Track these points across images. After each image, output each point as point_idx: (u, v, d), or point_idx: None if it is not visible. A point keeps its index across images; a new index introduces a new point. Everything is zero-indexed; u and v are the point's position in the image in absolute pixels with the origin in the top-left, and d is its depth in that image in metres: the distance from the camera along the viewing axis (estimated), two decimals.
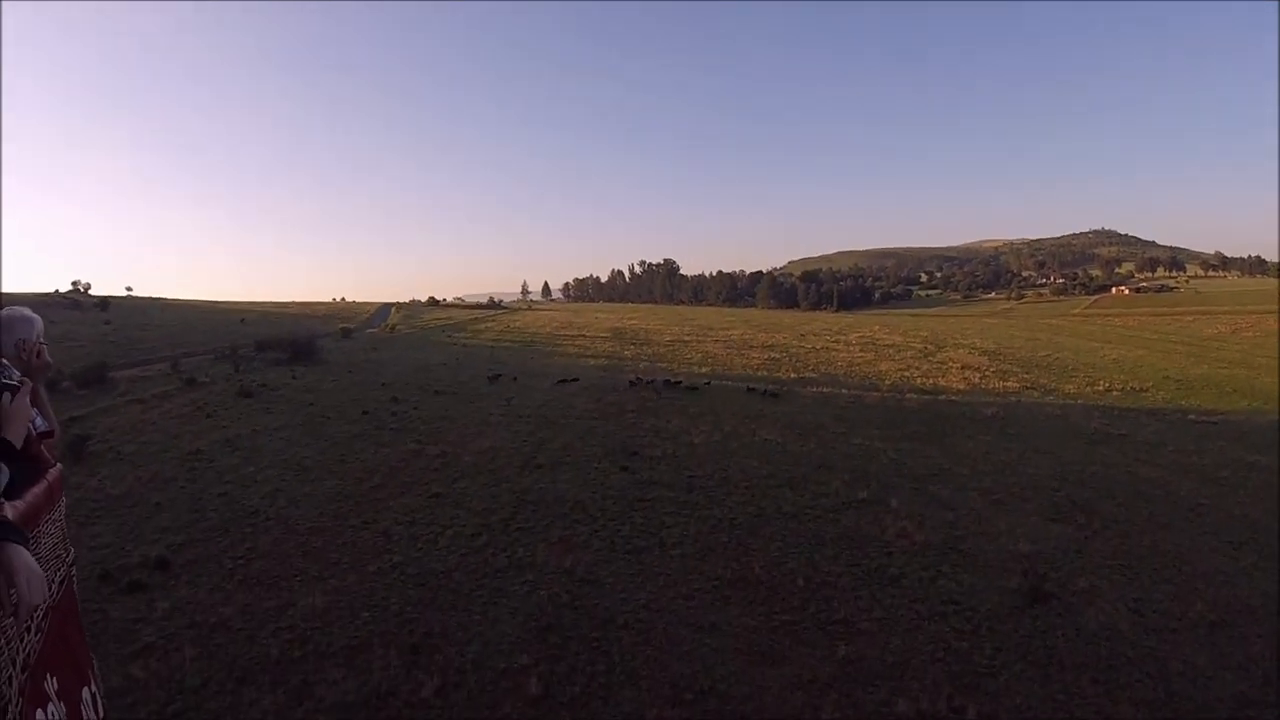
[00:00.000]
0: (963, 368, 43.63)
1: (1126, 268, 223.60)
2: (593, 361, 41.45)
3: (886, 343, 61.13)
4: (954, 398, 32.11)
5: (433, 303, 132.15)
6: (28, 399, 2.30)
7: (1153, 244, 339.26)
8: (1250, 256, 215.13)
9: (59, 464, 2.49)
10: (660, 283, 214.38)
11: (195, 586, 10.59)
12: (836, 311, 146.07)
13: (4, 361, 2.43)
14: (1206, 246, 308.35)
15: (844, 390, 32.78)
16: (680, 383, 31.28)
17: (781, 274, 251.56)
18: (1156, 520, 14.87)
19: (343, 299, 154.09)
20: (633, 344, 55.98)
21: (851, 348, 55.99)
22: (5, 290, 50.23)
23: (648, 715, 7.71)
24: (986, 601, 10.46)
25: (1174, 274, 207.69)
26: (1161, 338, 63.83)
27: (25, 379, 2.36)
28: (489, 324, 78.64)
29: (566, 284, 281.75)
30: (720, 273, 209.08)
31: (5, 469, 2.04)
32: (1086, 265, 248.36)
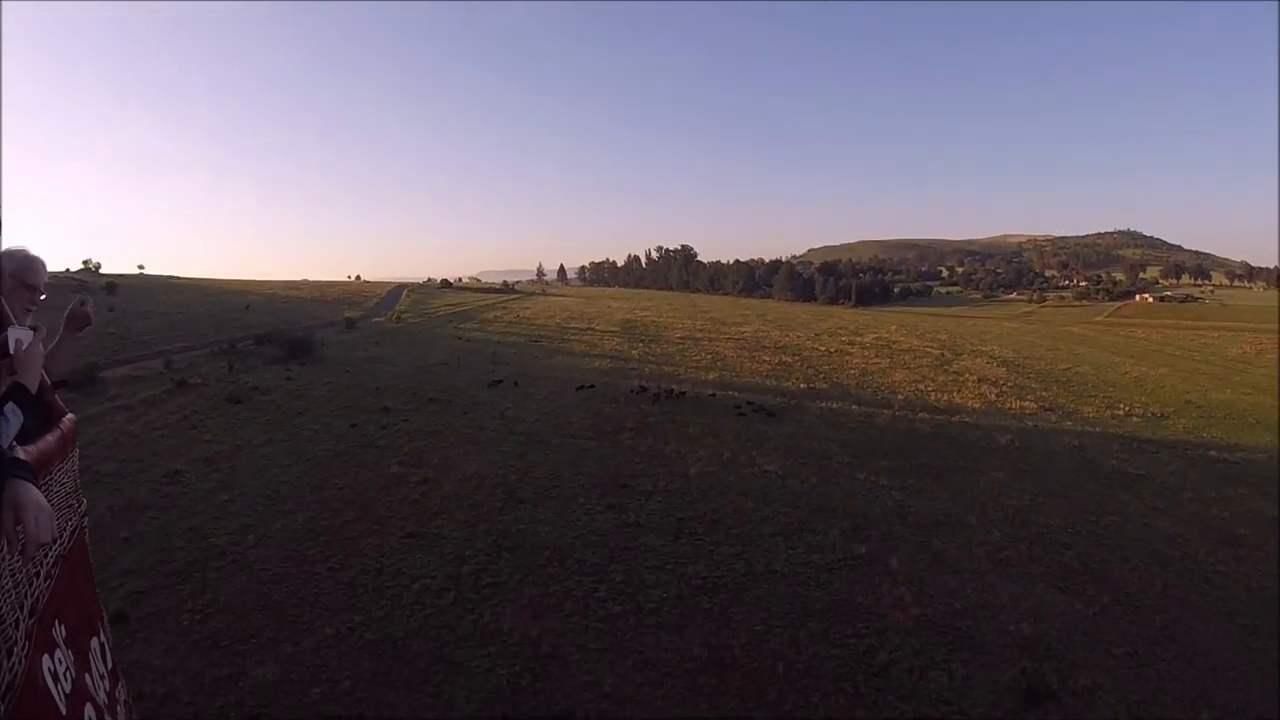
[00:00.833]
0: (979, 381, 42.41)
1: (1151, 273, 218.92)
2: (597, 363, 40.69)
3: (903, 347, 59.94)
4: (968, 419, 31.07)
5: (445, 285, 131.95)
6: (41, 345, 2.31)
7: (1178, 248, 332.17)
8: (1277, 267, 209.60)
9: (71, 414, 2.54)
10: (677, 270, 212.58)
11: (150, 646, 10.05)
12: (854, 307, 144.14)
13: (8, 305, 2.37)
14: (1233, 254, 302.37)
15: (854, 406, 31.83)
16: (684, 393, 30.56)
17: (801, 263, 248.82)
18: (1170, 594, 13.97)
19: (358, 277, 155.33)
20: (641, 340, 55.20)
21: (866, 351, 54.89)
22: None
23: None
24: (980, 702, 9.69)
25: (1199, 282, 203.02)
26: (1184, 354, 61.98)
27: (40, 325, 2.38)
28: (499, 312, 78.09)
29: (582, 267, 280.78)
30: (738, 261, 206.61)
31: (19, 413, 2.05)
32: (1110, 267, 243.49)
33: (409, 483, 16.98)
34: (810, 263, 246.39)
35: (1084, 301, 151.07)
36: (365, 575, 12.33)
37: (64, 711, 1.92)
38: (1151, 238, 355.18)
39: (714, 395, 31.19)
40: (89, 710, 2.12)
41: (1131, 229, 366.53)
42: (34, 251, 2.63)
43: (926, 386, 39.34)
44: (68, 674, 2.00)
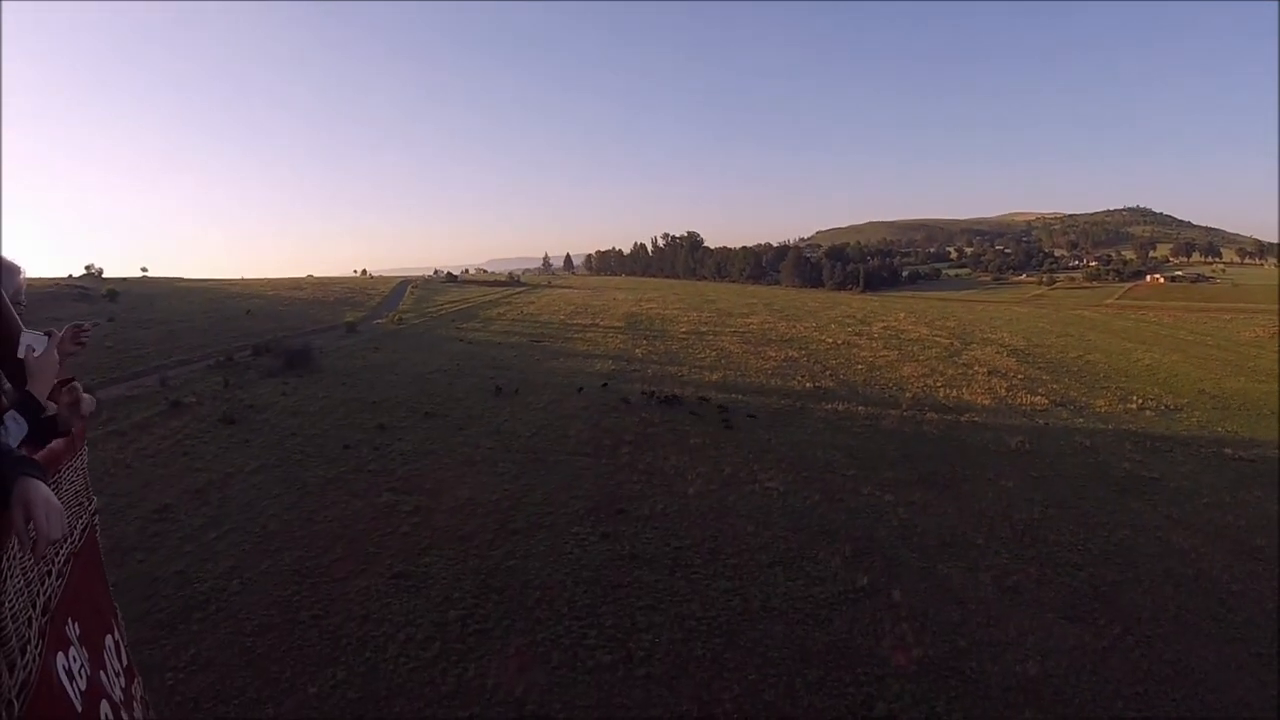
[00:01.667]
0: (989, 373, 41.72)
1: (1162, 251, 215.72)
2: (600, 364, 40.26)
3: (911, 336, 59.23)
4: (977, 418, 30.49)
5: (450, 279, 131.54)
6: (55, 351, 2.32)
7: (1188, 224, 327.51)
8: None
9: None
10: (683, 257, 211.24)
11: None
12: (862, 293, 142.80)
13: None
14: (1243, 229, 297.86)
15: (861, 407, 31.28)
16: (687, 398, 30.19)
17: (808, 246, 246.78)
18: (1183, 619, 13.50)
19: (364, 272, 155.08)
20: (645, 337, 54.72)
21: (874, 343, 54.23)
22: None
23: None
24: None
25: (1210, 260, 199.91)
26: (1197, 339, 60.86)
27: (53, 331, 2.39)
28: (503, 308, 77.66)
29: (589, 256, 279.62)
30: (744, 247, 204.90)
31: (23, 422, 2.06)
32: (1120, 245, 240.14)
33: (400, 513, 16.66)
34: (818, 246, 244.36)
35: (1094, 283, 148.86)
36: (350, 623, 12.02)
37: (80, 709, 1.92)
38: (1161, 214, 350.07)
39: (716, 400, 30.72)
40: (105, 707, 2.12)
41: (1141, 206, 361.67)
42: (9, 259, 2.56)
43: (935, 381, 38.72)
44: (82, 671, 2.01)
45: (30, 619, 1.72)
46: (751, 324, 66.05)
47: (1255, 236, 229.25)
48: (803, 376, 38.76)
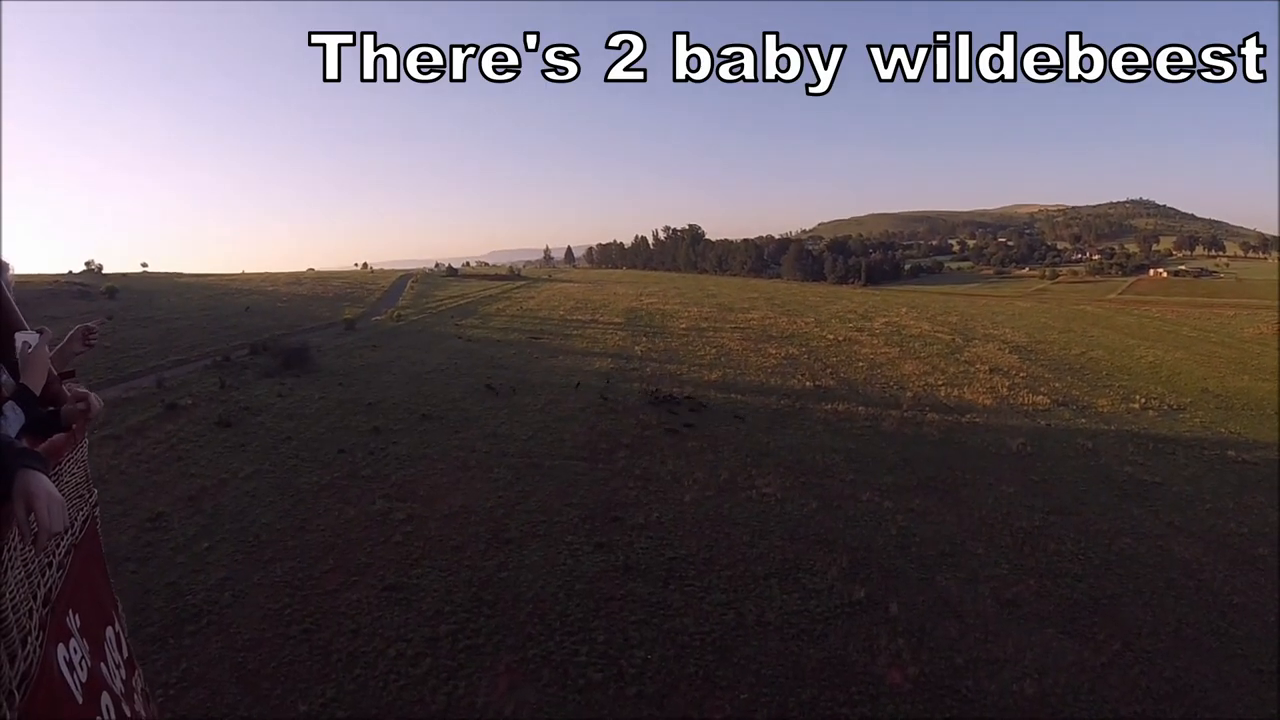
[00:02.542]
0: (991, 371, 41.51)
1: (1165, 244, 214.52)
2: (599, 363, 40.08)
3: (913, 332, 59.00)
4: (978, 419, 30.31)
5: (451, 272, 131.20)
6: (46, 348, 2.37)
7: (1191, 217, 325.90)
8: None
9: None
10: (684, 250, 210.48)
11: None
12: (864, 287, 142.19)
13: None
14: (1246, 222, 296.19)
15: (861, 408, 31.11)
16: (685, 398, 30.08)
17: (810, 238, 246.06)
18: (1183, 634, 13.36)
19: (365, 265, 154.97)
20: (645, 334, 54.50)
21: (875, 339, 53.99)
22: (19, 273, 49.91)
23: None
24: None
25: (1213, 254, 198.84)
26: (1200, 335, 60.49)
27: (45, 327, 2.46)
28: (502, 304, 77.42)
29: (590, 249, 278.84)
30: (746, 240, 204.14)
31: (20, 412, 2.09)
32: (1123, 238, 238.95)
33: (392, 521, 16.54)
34: (820, 238, 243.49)
35: (1097, 277, 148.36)
36: (340, 638, 11.92)
37: (80, 700, 1.92)
38: (1164, 206, 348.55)
39: (717, 405, 30.58)
40: (105, 698, 2.12)
41: (1144, 198, 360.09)
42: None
43: (936, 380, 38.52)
44: (83, 663, 2.01)
45: (31, 610, 1.74)
46: (752, 319, 65.82)
47: (1259, 230, 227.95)
48: (803, 375, 38.58)
